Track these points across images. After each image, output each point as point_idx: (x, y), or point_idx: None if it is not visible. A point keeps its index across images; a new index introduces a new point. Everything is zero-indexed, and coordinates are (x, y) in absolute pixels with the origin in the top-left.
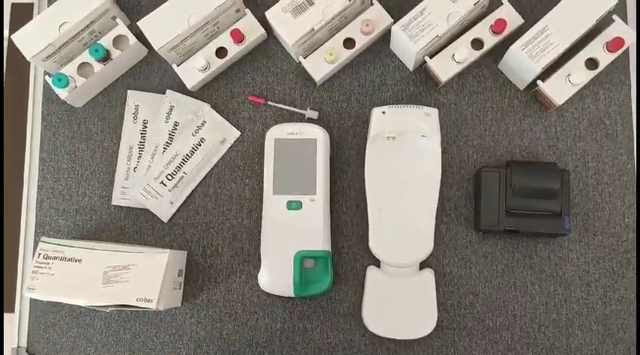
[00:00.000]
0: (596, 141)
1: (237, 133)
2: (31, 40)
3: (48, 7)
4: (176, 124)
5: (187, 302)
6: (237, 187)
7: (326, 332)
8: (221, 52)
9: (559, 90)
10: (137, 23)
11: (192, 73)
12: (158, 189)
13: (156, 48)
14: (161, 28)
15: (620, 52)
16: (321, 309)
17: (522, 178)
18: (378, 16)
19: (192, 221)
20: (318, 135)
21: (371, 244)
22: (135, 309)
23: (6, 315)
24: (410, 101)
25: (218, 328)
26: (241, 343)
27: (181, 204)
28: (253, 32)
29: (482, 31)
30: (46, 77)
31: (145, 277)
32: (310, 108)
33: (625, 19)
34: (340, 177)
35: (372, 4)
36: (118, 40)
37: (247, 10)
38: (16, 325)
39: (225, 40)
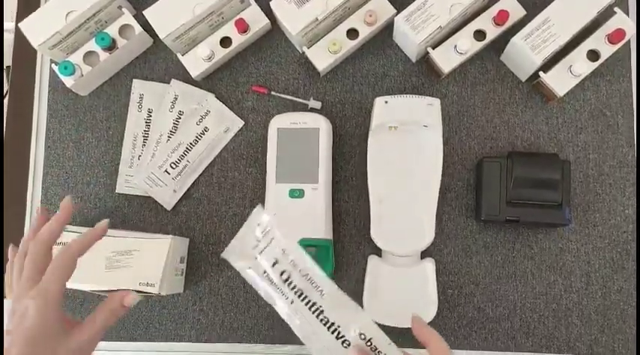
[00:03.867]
0: (597, 132)
1: (241, 123)
2: (38, 28)
3: None
4: (180, 113)
5: (190, 290)
6: (240, 176)
7: None
8: (225, 42)
9: (561, 81)
10: (143, 12)
11: (196, 63)
12: (162, 178)
13: (161, 37)
14: (166, 18)
15: (621, 43)
16: None
17: (523, 169)
18: (381, 7)
19: (195, 209)
20: (320, 124)
21: (372, 233)
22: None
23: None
24: (412, 92)
25: (220, 315)
26: (243, 330)
27: (185, 193)
28: (257, 22)
29: (484, 22)
30: (53, 65)
31: (147, 262)
32: (313, 98)
33: (626, 11)
34: (342, 167)
35: None
36: (123, 30)
37: (252, 0)
38: None
39: (229, 29)
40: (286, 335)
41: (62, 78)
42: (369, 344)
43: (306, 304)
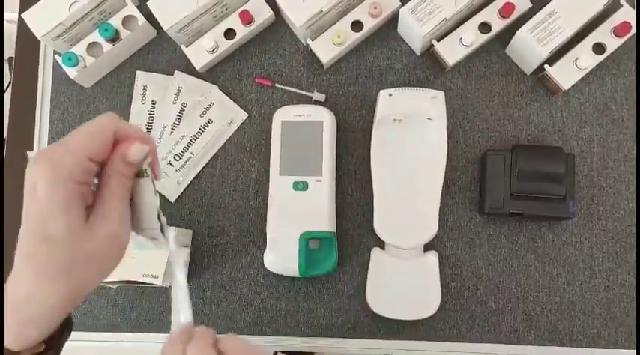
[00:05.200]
0: (601, 126)
1: (245, 115)
2: (41, 19)
3: None
4: (184, 105)
5: (193, 282)
6: (244, 168)
7: (330, 313)
8: (229, 34)
9: (566, 74)
10: (147, 3)
11: (200, 54)
12: (165, 169)
13: (165, 28)
14: (170, 9)
15: (627, 37)
16: (325, 290)
17: (527, 162)
18: None
19: (198, 201)
20: (324, 117)
21: (376, 226)
22: (140, 285)
23: None
24: (417, 85)
25: (223, 307)
26: (246, 322)
27: (188, 184)
28: (261, 14)
29: (490, 14)
30: (56, 56)
31: (150, 254)
32: (317, 91)
33: (632, 4)
34: (346, 159)
35: None
36: (127, 21)
37: None
38: None
39: (233, 21)
40: (289, 328)
41: (66, 69)
42: None
43: None
